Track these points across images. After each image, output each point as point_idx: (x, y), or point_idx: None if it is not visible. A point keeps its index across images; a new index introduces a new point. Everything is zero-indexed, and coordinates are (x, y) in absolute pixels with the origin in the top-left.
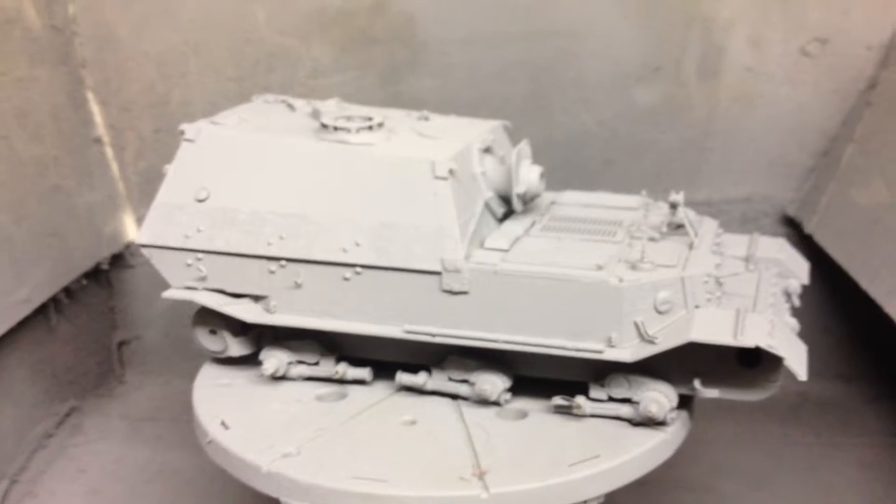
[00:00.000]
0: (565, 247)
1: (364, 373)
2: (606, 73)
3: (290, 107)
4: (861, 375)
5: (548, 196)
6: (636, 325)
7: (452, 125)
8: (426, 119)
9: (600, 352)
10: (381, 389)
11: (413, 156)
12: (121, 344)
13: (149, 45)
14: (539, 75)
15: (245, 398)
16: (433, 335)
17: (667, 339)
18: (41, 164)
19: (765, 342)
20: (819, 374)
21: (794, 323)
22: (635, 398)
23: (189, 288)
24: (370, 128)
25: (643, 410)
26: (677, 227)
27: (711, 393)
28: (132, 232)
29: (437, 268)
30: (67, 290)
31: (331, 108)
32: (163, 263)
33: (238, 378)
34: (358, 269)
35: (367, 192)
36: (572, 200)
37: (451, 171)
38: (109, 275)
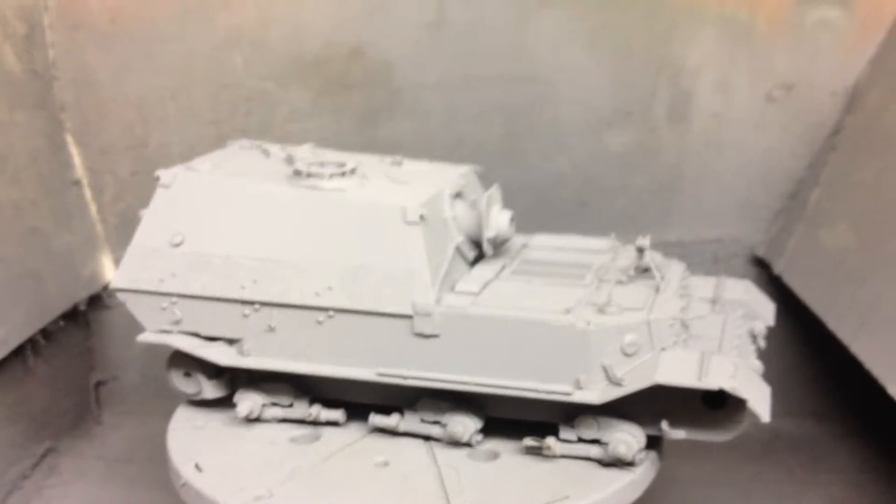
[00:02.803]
0: (534, 290)
1: (337, 415)
2: (580, 118)
3: (265, 152)
4: (832, 414)
5: (519, 239)
6: (604, 367)
7: (424, 170)
8: (399, 164)
9: (569, 394)
10: (354, 431)
11: (384, 202)
12: (98, 384)
13: (128, 88)
14: (514, 119)
15: (219, 440)
16: (405, 377)
17: (633, 382)
18: (19, 208)
19: (728, 384)
20: (791, 412)
21: (758, 365)
22: (604, 439)
23: (164, 331)
24: (343, 174)
25: (612, 451)
26: (644, 271)
27: (678, 434)
28: (110, 273)
29: (409, 311)
30: (45, 332)
31: (305, 154)
32: (138, 307)
33: (213, 420)
34: (331, 313)
35: (339, 237)
36: (543, 244)
37: (421, 217)
38: (87, 316)
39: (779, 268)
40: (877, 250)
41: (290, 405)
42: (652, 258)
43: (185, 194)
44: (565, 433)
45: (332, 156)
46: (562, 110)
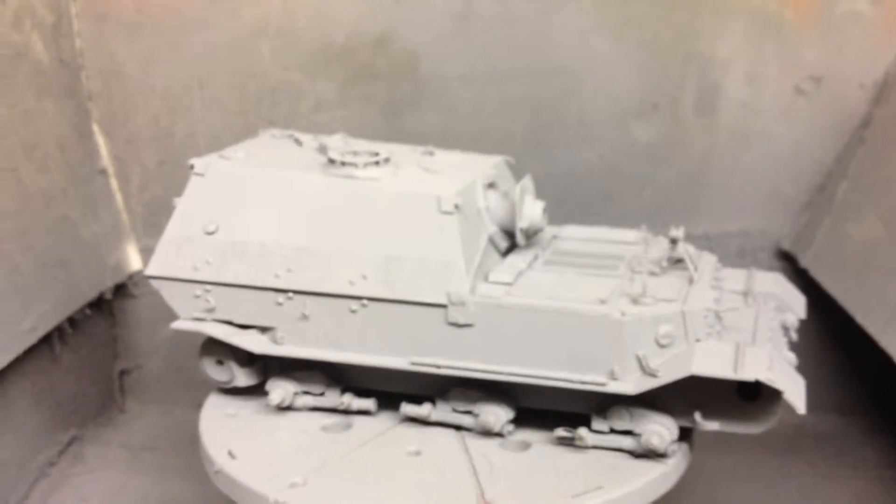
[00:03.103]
0: (568, 280)
1: (369, 403)
2: (606, 110)
3: (297, 141)
4: (857, 409)
5: (549, 230)
6: (638, 358)
7: (457, 160)
8: (431, 154)
9: (603, 384)
10: (385, 420)
11: (419, 191)
12: (122, 373)
13: (155, 78)
14: (540, 111)
15: (251, 428)
16: (439, 367)
17: (668, 373)
18: (48, 196)
19: (765, 376)
20: (815, 406)
21: (792, 357)
22: (637, 430)
23: (197, 319)
24: (377, 163)
25: (645, 443)
26: (677, 262)
27: (712, 426)
28: (136, 262)
29: (443, 300)
30: (71, 320)
31: (337, 143)
32: (171, 295)
33: (244, 408)
34: (364, 302)
35: (373, 226)
36: (573, 235)
37: (456, 206)
38: (112, 305)
39: (805, 261)
40: None
41: (322, 394)
42: (685, 249)
43: (220, 183)
44: (597, 424)
45: (364, 145)
46: (588, 102)
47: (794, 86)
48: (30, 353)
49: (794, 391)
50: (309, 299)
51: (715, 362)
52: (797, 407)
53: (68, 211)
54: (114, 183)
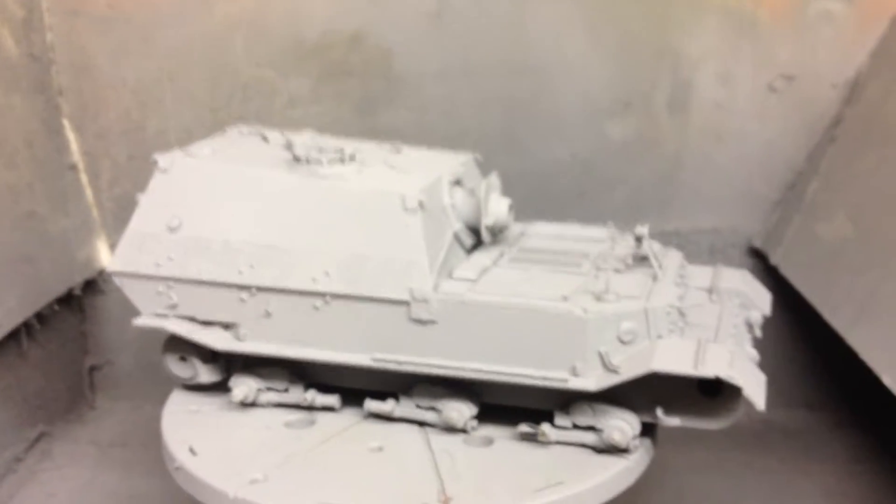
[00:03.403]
0: (532, 277)
1: (332, 400)
2: (579, 108)
3: (264, 138)
4: (826, 404)
5: (517, 227)
6: (600, 354)
7: (423, 158)
8: (398, 151)
9: (565, 381)
10: (349, 416)
11: (383, 188)
12: (92, 369)
13: (126, 73)
14: (514, 109)
15: (214, 424)
16: (401, 363)
17: (629, 369)
18: (15, 191)
19: (724, 372)
20: (784, 402)
21: (754, 353)
22: (599, 426)
23: (159, 315)
24: (342, 160)
25: (607, 438)
26: (642, 260)
27: (673, 421)
28: (105, 258)
29: (406, 297)
30: (39, 316)
31: (304, 140)
32: (134, 291)
33: (207, 405)
34: (327, 299)
35: (337, 224)
36: (541, 232)
37: (420, 204)
38: (82, 300)
39: (775, 258)
40: (875, 241)
41: (286, 390)
42: (650, 247)
43: (184, 179)
44: (560, 420)
45: (331, 142)
46: (561, 100)
47: (767, 84)
48: None
49: (754, 387)
50: (272, 296)
51: (676, 359)
52: (756, 403)
53: (36, 206)
54: (84, 178)
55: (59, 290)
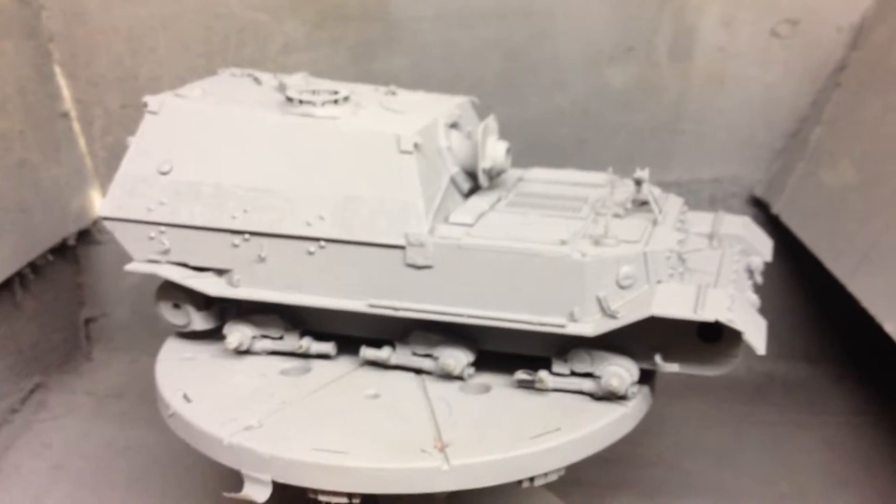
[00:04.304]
0: (530, 222)
1: (328, 347)
2: (579, 54)
3: (257, 80)
4: (827, 356)
5: (515, 173)
6: (598, 299)
7: (419, 100)
8: (393, 94)
9: (562, 326)
10: (345, 364)
11: (378, 130)
12: (88, 321)
13: (118, 19)
14: (512, 55)
15: (209, 372)
16: (396, 309)
17: (628, 314)
18: (6, 139)
19: (724, 316)
20: (785, 354)
21: (754, 299)
22: (597, 373)
23: (152, 261)
24: (335, 101)
25: (604, 385)
26: (642, 204)
27: (672, 367)
28: (98, 209)
29: (402, 242)
30: (33, 266)
31: (297, 82)
32: (125, 236)
33: (202, 352)
34: (322, 243)
35: (331, 166)
36: (539, 177)
37: (416, 146)
38: (76, 251)
39: (777, 207)
40: (879, 189)
41: (281, 337)
42: (650, 191)
43: (174, 121)
44: (558, 367)
45: (325, 84)
46: (561, 45)
47: (771, 29)
48: None
49: (755, 332)
50: (265, 241)
51: (675, 303)
52: (757, 347)
53: (28, 154)
54: (76, 126)
55: (53, 239)
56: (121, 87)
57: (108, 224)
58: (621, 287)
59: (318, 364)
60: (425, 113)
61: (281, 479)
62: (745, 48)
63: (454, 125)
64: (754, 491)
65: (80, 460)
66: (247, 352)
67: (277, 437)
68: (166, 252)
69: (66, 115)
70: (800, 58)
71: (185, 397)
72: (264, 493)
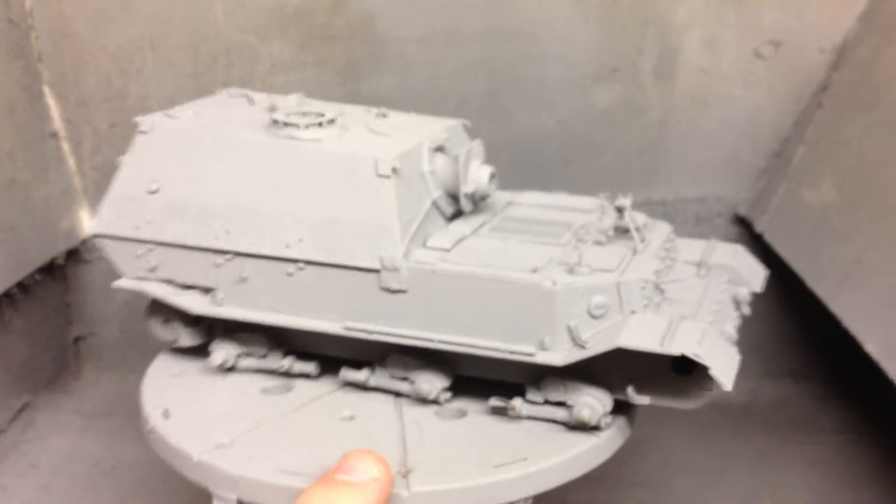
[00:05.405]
0: (507, 248)
1: (310, 367)
2: (565, 74)
3: (250, 101)
4: (812, 374)
5: (505, 196)
6: (569, 328)
7: (408, 123)
8: (384, 116)
9: (532, 354)
10: (326, 384)
11: (356, 152)
12: (76, 339)
13: (106, 39)
14: (498, 75)
15: (193, 388)
16: (371, 332)
17: (596, 344)
18: None
19: (691, 350)
20: (770, 372)
21: (731, 332)
22: (570, 402)
23: (140, 278)
24: (320, 124)
25: (576, 415)
26: (625, 232)
27: (643, 400)
28: (88, 227)
29: (377, 265)
30: (21, 285)
31: (290, 104)
32: (114, 253)
33: (189, 369)
34: (301, 265)
35: (312, 189)
36: (529, 201)
37: (394, 170)
38: (65, 270)
39: (760, 226)
40: (860, 208)
41: (265, 356)
42: (633, 219)
43: (164, 141)
44: (532, 394)
45: (317, 106)
46: (547, 66)
47: (754, 50)
48: None
49: (724, 367)
50: (247, 261)
51: (643, 335)
52: (723, 383)
53: (17, 174)
54: (65, 146)
55: (42, 259)
56: (109, 107)
57: (98, 241)
58: (593, 317)
59: (300, 384)
60: (410, 136)
61: (247, 499)
62: (729, 69)
63: (440, 149)
64: None
65: (67, 480)
66: (232, 369)
67: (246, 457)
68: (153, 269)
69: (55, 135)
70: (783, 78)
71: (165, 414)
72: None
